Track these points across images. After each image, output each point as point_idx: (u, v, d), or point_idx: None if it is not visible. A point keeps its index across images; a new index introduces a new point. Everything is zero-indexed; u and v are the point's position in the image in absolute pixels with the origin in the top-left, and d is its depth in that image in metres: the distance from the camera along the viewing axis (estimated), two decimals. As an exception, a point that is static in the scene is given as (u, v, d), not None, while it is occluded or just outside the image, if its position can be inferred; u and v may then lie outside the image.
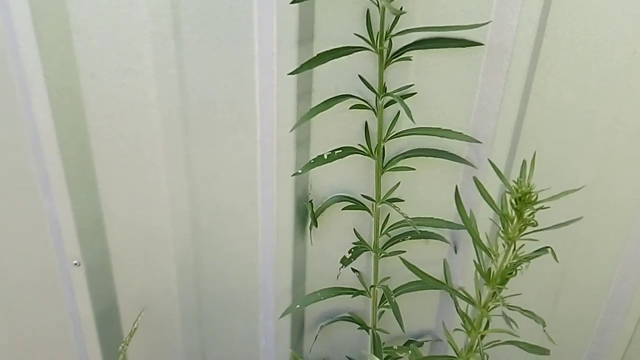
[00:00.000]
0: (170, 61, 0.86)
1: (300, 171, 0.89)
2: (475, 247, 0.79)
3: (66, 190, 0.95)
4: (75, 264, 1.01)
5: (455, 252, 1.01)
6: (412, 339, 1.14)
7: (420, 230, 0.93)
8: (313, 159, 0.89)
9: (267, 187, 0.97)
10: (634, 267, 1.04)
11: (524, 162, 0.76)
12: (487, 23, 0.78)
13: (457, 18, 0.81)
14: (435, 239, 0.99)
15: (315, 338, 1.11)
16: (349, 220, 1.01)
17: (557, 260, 0.77)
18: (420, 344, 1.12)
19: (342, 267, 0.97)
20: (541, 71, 0.86)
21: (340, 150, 0.88)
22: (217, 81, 0.88)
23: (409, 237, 0.96)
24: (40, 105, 0.87)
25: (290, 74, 0.80)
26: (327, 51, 0.78)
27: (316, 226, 0.95)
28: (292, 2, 0.73)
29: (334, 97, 0.84)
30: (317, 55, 0.79)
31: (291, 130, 0.87)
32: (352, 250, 0.97)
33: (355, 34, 0.79)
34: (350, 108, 0.85)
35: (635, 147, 0.93)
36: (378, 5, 0.76)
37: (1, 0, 0.80)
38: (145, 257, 1.07)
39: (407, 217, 0.88)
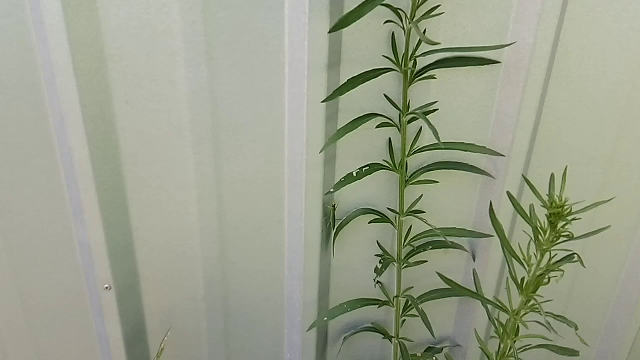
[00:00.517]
0: (203, 86, 0.89)
1: (332, 190, 0.92)
2: (506, 257, 0.82)
3: (99, 216, 0.95)
4: (107, 287, 1.02)
5: (474, 260, 1.04)
6: (431, 345, 1.16)
7: (440, 242, 0.96)
8: (343, 178, 0.92)
9: (295, 204, 0.99)
10: (641, 267, 1.09)
11: (553, 175, 0.79)
12: (509, 45, 0.82)
13: (476, 37, 0.85)
14: (456, 248, 1.02)
15: (340, 350, 1.13)
16: (370, 233, 1.04)
17: (584, 266, 0.81)
18: (440, 351, 1.15)
19: (377, 277, 1.00)
20: (554, 85, 0.91)
21: (368, 167, 0.91)
22: (248, 104, 0.91)
23: (430, 247, 0.99)
24: (75, 134, 0.88)
25: (324, 101, 0.84)
26: (357, 76, 0.82)
27: (335, 231, 0.97)
28: (330, 32, 0.76)
29: (361, 117, 0.87)
30: (348, 80, 0.82)
31: (321, 152, 0.89)
32: (382, 261, 0.99)
33: (384, 56, 0.83)
34: (377, 127, 0.88)
35: (635, 162, 0.98)
36: (404, 29, 0.79)
37: (40, 33, 0.81)
38: (173, 277, 1.08)
39: (435, 228, 0.91)
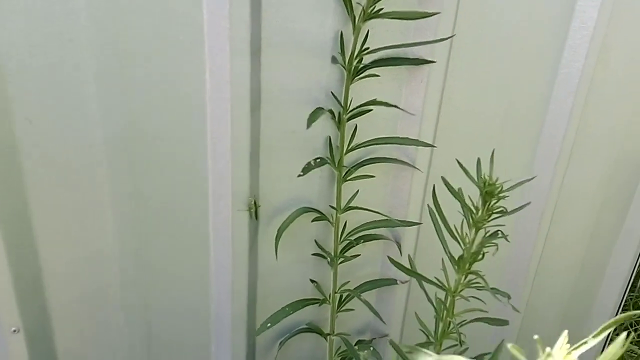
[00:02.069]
0: (116, 96, 0.81)
1: (302, 173, 0.90)
2: (440, 238, 0.86)
3: (3, 251, 0.83)
4: (14, 331, 0.88)
5: (400, 250, 1.07)
6: (360, 339, 1.18)
7: (369, 235, 0.98)
8: (305, 165, 0.90)
9: (220, 213, 0.94)
10: (528, 233, 1.20)
11: (479, 159, 0.84)
12: (450, 37, 0.87)
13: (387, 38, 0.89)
14: (387, 239, 1.05)
15: (276, 357, 1.10)
16: (301, 232, 1.03)
17: (508, 241, 0.87)
18: (370, 341, 1.17)
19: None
20: (451, 77, 0.98)
21: (319, 159, 0.91)
22: (166, 113, 0.85)
23: (362, 240, 1.01)
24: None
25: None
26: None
27: (277, 233, 0.95)
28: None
29: (316, 110, 0.85)
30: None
31: (308, 127, 0.82)
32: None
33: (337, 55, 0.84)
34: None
35: (519, 136, 1.09)
36: (354, 25, 0.81)
37: None
38: (88, 310, 0.97)
39: (374, 221, 0.93)
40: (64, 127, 0.81)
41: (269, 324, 0.99)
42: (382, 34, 0.87)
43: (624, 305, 1.37)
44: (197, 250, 0.98)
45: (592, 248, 1.27)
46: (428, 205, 0.88)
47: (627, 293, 1.34)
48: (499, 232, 0.83)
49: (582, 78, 1.02)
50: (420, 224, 1.01)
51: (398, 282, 1.10)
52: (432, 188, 0.94)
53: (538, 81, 1.03)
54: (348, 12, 0.81)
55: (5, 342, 0.89)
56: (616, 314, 1.38)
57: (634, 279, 1.33)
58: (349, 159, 0.96)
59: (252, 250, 1.00)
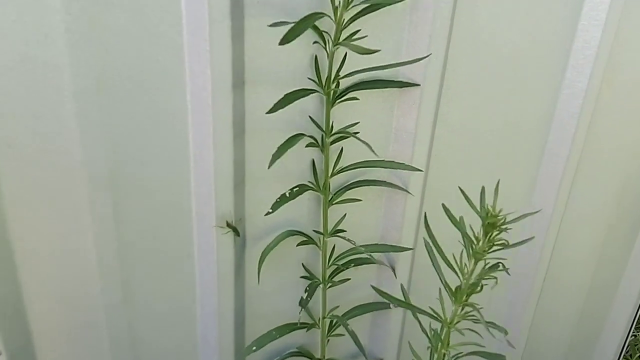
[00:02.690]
0: (95, 118, 0.79)
1: (271, 210, 0.87)
2: (435, 267, 0.81)
3: (-20, 273, 0.81)
4: (-5, 353, 0.86)
5: (395, 274, 1.03)
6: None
7: (370, 257, 0.94)
8: (278, 199, 0.87)
9: (205, 236, 0.92)
10: (530, 258, 1.15)
11: (483, 188, 0.79)
12: (425, 57, 0.83)
13: (378, 58, 0.85)
14: (378, 264, 1.01)
15: (265, 381, 1.07)
16: (289, 256, 0.99)
17: (508, 274, 0.82)
18: (362, 367, 1.13)
19: (301, 309, 0.95)
20: (445, 98, 0.93)
21: (297, 188, 0.88)
22: (148, 135, 0.83)
23: (352, 264, 0.97)
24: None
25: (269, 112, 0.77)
26: (284, 97, 0.77)
27: (260, 256, 0.92)
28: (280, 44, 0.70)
29: (294, 136, 0.83)
30: (280, 100, 0.77)
31: (269, 167, 0.81)
32: (308, 288, 0.95)
33: (309, 78, 0.80)
34: (307, 146, 0.85)
35: (520, 157, 1.04)
36: (327, 51, 0.77)
37: None
38: (72, 332, 0.95)
39: (359, 247, 0.89)
40: (43, 150, 0.79)
41: (254, 347, 0.96)
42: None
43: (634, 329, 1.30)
44: (182, 271, 0.96)
45: (599, 273, 1.21)
46: (424, 239, 0.84)
47: (637, 316, 1.28)
48: (500, 264, 0.79)
49: (586, 99, 0.97)
50: (411, 249, 0.97)
51: (391, 306, 1.06)
52: (426, 213, 0.91)
53: (539, 102, 0.98)
54: (318, 38, 0.78)
55: (-13, 365, 0.88)
56: (626, 339, 1.32)
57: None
58: (338, 182, 0.92)
59: (239, 272, 0.97)
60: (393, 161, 0.91)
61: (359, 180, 0.93)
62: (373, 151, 0.76)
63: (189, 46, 0.77)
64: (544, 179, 1.05)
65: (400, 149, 0.95)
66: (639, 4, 0.90)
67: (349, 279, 0.97)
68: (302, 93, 0.78)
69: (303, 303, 0.95)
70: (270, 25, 0.70)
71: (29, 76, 0.74)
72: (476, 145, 1.01)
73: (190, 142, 0.84)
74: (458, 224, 0.75)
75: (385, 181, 0.93)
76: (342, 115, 0.89)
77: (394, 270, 1.02)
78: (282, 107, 0.76)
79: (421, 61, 0.86)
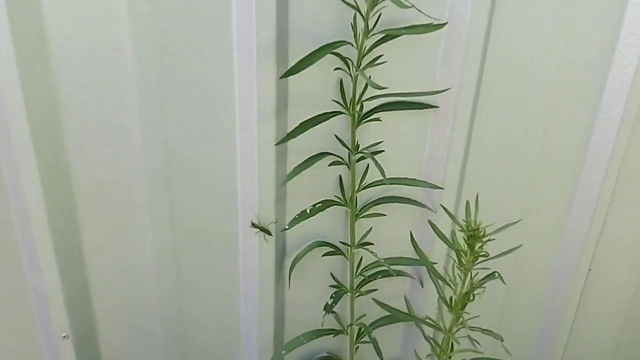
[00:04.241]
0: (156, 131, 0.87)
1: (287, 227, 0.91)
2: (433, 279, 0.84)
3: (55, 263, 0.91)
4: (64, 336, 0.96)
5: (422, 286, 1.05)
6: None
7: (388, 270, 0.97)
8: (298, 215, 0.92)
9: (249, 242, 0.97)
10: (563, 281, 1.13)
11: (468, 202, 0.82)
12: (443, 91, 0.86)
13: (408, 82, 0.88)
14: (403, 275, 1.03)
15: (299, 382, 1.11)
16: (322, 265, 1.04)
17: (504, 282, 0.83)
18: (390, 374, 1.14)
19: (325, 314, 0.98)
20: (479, 121, 0.95)
21: (321, 204, 0.91)
22: (201, 148, 0.90)
23: (380, 276, 0.99)
24: (30, 184, 0.84)
25: (279, 143, 0.84)
26: (309, 119, 0.83)
27: (291, 264, 0.96)
28: (282, 77, 0.77)
29: (314, 156, 0.87)
30: (301, 124, 0.83)
31: (280, 187, 0.90)
32: (333, 295, 0.98)
33: (333, 100, 0.84)
34: (330, 165, 0.89)
35: (555, 181, 1.04)
36: (351, 75, 0.82)
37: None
38: (129, 320, 1.03)
39: (381, 259, 0.92)
40: (110, 158, 0.88)
41: (283, 352, 1.00)
42: (397, 75, 0.87)
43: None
44: (228, 272, 1.02)
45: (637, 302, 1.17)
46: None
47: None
48: (496, 273, 0.80)
49: (623, 124, 0.95)
50: (435, 263, 0.98)
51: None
52: (411, 232, 0.94)
53: (576, 127, 0.97)
54: (343, 64, 0.82)
55: (56, 347, 0.97)
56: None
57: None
58: (366, 196, 0.95)
59: (279, 278, 1.02)
60: (415, 179, 0.93)
61: (385, 197, 0.96)
62: (383, 172, 0.79)
63: (239, 71, 0.83)
64: (580, 202, 1.04)
65: (432, 167, 0.97)
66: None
67: (376, 290, 0.99)
68: (328, 115, 0.83)
69: (327, 308, 0.98)
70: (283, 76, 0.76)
71: (102, 98, 0.83)
72: (511, 168, 1.01)
73: (237, 157, 0.90)
74: (445, 238, 0.78)
75: (409, 198, 0.96)
76: (376, 135, 0.92)
77: (421, 282, 1.03)
78: (308, 129, 0.82)
79: (455, 86, 0.88)
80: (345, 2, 0.74)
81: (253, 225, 0.92)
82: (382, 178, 0.89)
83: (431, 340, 0.87)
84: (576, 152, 0.99)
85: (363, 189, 0.92)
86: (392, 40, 0.82)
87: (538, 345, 1.24)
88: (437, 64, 0.88)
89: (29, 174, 0.83)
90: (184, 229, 0.96)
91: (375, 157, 0.88)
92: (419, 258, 1.02)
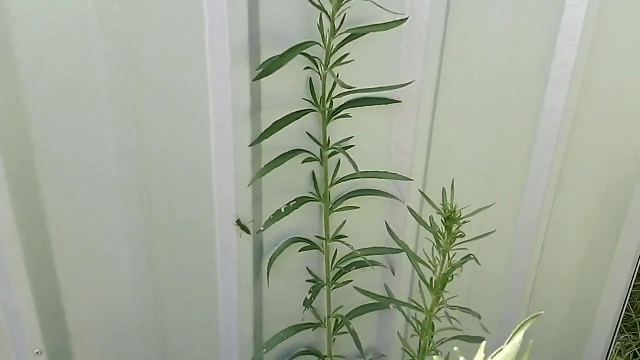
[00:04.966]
0: (132, 134, 0.87)
1: (263, 228, 0.93)
2: (413, 264, 0.88)
3: (26, 278, 0.88)
4: (37, 352, 0.93)
5: (394, 274, 1.09)
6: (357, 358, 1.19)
7: (365, 260, 1.00)
8: (273, 215, 0.94)
9: (226, 243, 0.98)
10: (521, 260, 1.21)
11: (444, 189, 0.88)
12: (408, 84, 0.91)
13: (375, 79, 0.93)
14: (377, 265, 1.07)
15: (280, 379, 1.12)
16: (297, 261, 1.06)
17: (479, 264, 0.89)
18: (366, 363, 1.18)
19: (305, 309, 1.00)
20: (439, 114, 1.01)
21: (295, 202, 0.94)
22: (176, 150, 0.90)
23: (354, 267, 1.03)
24: (-1, 197, 0.81)
25: (251, 145, 0.86)
26: (282, 118, 0.85)
27: (269, 261, 0.98)
28: (254, 80, 0.79)
29: (287, 153, 0.90)
30: (274, 123, 0.85)
31: (249, 185, 0.91)
32: (312, 290, 1.01)
33: (304, 99, 0.87)
34: (303, 162, 0.92)
35: (510, 167, 1.11)
36: (320, 75, 0.85)
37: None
38: (106, 332, 1.01)
39: (356, 251, 0.95)
40: (82, 165, 0.86)
41: (264, 350, 1.01)
42: (364, 72, 0.91)
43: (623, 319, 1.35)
44: (206, 274, 1.02)
45: (585, 278, 1.27)
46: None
47: (623, 313, 1.33)
48: (471, 255, 0.86)
49: (566, 111, 1.04)
50: (403, 251, 1.02)
51: (391, 306, 1.11)
52: (387, 221, 0.99)
53: (525, 115, 1.05)
54: (311, 63, 0.85)
55: (29, 363, 0.94)
56: (614, 334, 1.37)
57: (629, 297, 1.32)
58: (339, 190, 0.99)
59: (258, 277, 1.03)
60: (386, 172, 0.98)
61: (357, 190, 0.99)
62: (355, 166, 0.84)
63: (213, 74, 0.85)
64: (532, 185, 1.12)
65: (400, 161, 1.02)
66: (609, 25, 0.98)
67: (352, 281, 1.03)
68: (300, 114, 0.86)
69: (307, 304, 1.01)
70: (257, 71, 0.80)
71: (74, 103, 0.82)
72: (471, 158, 1.08)
73: (213, 158, 0.91)
74: (423, 222, 0.83)
75: (379, 190, 1.00)
76: (346, 130, 0.96)
77: (392, 271, 1.08)
78: (281, 128, 0.85)
79: (417, 81, 0.94)
80: (312, 2, 0.78)
81: (238, 223, 0.93)
82: (355, 172, 0.94)
83: (417, 322, 0.91)
84: (527, 140, 1.07)
85: (336, 183, 0.95)
86: (359, 39, 0.86)
87: (502, 318, 1.31)
88: (401, 61, 0.93)
89: (-3, 187, 0.80)
90: (160, 233, 0.96)
91: (349, 152, 0.92)
92: (391, 247, 1.06)
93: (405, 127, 0.99)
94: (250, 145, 0.87)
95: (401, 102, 0.94)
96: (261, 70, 0.78)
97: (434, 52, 0.92)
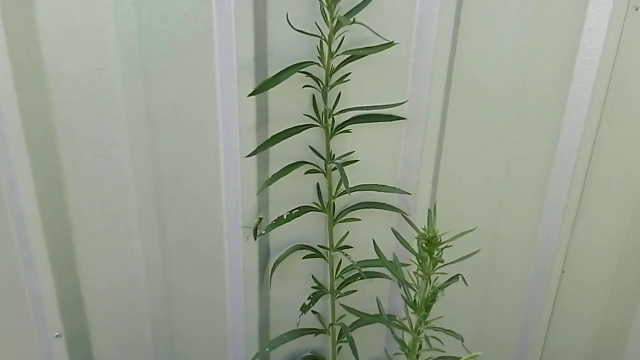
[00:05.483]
0: (144, 145, 0.93)
1: (264, 231, 0.97)
2: (399, 284, 0.89)
3: (49, 267, 0.97)
4: (57, 335, 1.02)
5: (400, 286, 1.10)
6: (363, 368, 1.21)
7: (366, 272, 1.02)
8: (274, 220, 0.97)
9: (233, 247, 1.03)
10: (538, 284, 1.19)
11: (429, 210, 0.87)
12: (404, 102, 0.93)
13: (381, 97, 0.94)
14: (377, 277, 1.08)
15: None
16: (304, 267, 1.09)
17: (466, 284, 0.88)
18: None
19: (301, 314, 1.04)
20: (449, 132, 1.01)
21: (297, 210, 0.97)
22: (187, 159, 0.96)
23: (359, 277, 1.05)
24: (26, 193, 0.90)
25: (249, 155, 0.91)
26: (280, 132, 0.89)
27: (272, 266, 1.01)
28: (249, 95, 0.84)
29: (291, 164, 0.93)
30: (272, 137, 0.89)
31: (258, 193, 0.96)
32: (311, 296, 1.04)
33: (305, 114, 0.90)
34: (306, 173, 0.95)
35: (525, 187, 1.09)
36: (322, 92, 0.88)
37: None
38: (120, 322, 1.09)
39: (354, 263, 0.97)
40: (102, 170, 0.94)
41: (267, 349, 1.05)
42: (371, 90, 0.93)
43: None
44: (214, 275, 1.08)
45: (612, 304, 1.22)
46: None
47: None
48: (459, 275, 0.85)
49: (585, 135, 1.01)
50: (407, 265, 1.04)
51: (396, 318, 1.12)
52: (374, 239, 0.95)
53: (541, 138, 1.03)
54: (314, 82, 0.88)
55: (49, 345, 1.03)
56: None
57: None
58: (344, 202, 1.02)
59: (263, 280, 1.08)
60: (385, 185, 0.99)
61: (361, 202, 1.01)
62: (346, 182, 0.87)
63: (221, 90, 0.90)
64: (549, 208, 1.10)
65: (407, 175, 1.02)
66: (630, 49, 0.94)
67: (355, 291, 1.05)
68: (300, 128, 0.90)
69: (304, 309, 1.04)
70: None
71: (93, 110, 0.90)
72: (482, 177, 1.06)
73: (221, 168, 0.96)
74: (408, 246, 0.83)
75: (384, 203, 1.01)
76: (353, 145, 0.98)
77: (399, 283, 1.09)
78: (280, 141, 0.89)
79: (424, 100, 0.95)
80: (306, 33, 0.81)
81: (254, 230, 0.98)
82: (357, 185, 0.96)
83: (401, 340, 0.92)
84: (543, 162, 1.05)
85: (339, 195, 0.98)
86: (365, 58, 0.88)
87: (516, 347, 1.29)
88: (408, 80, 0.94)
89: (25, 186, 0.89)
90: (171, 236, 1.02)
91: (354, 165, 0.95)
92: (390, 260, 1.07)
93: (412, 143, 1.00)
94: (247, 156, 0.91)
95: (405, 119, 0.95)
96: (256, 87, 0.82)
97: (440, 73, 0.93)
